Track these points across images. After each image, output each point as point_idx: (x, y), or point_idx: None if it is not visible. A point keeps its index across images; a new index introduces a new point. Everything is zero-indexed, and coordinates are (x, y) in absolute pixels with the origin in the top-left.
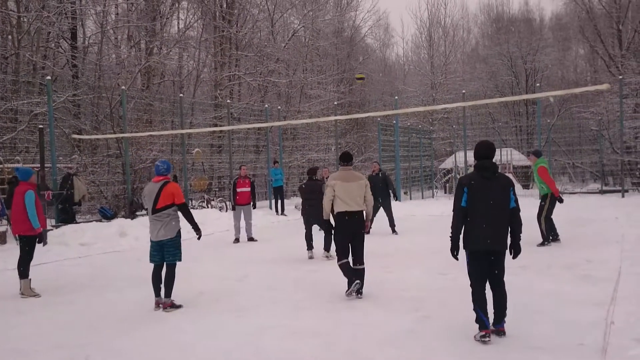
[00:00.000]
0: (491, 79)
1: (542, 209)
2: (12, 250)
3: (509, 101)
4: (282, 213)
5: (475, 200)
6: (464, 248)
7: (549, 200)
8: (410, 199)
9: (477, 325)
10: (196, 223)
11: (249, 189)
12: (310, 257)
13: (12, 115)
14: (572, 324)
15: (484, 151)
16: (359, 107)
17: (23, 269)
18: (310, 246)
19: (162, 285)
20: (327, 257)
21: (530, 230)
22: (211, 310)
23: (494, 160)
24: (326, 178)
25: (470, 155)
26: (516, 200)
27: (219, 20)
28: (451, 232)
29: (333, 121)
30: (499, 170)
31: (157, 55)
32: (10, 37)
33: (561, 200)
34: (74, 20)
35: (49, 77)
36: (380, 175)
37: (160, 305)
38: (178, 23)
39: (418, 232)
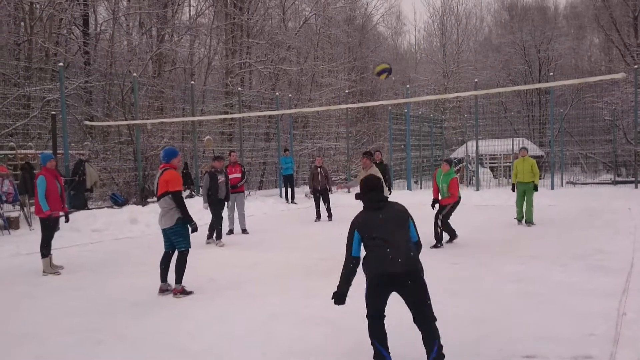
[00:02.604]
0: (504, 68)
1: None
2: (26, 235)
3: (522, 90)
4: (293, 201)
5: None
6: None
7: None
8: (421, 188)
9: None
10: (187, 213)
11: (239, 175)
12: None
13: (25, 102)
14: (583, 314)
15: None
16: (370, 95)
17: (42, 250)
18: None
19: (176, 272)
20: None
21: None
22: (221, 297)
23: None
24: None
25: (482, 144)
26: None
27: (230, 7)
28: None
29: (344, 109)
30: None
31: (168, 42)
32: (22, 23)
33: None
34: (85, 7)
35: (61, 64)
36: (382, 165)
37: (168, 290)
38: (189, 10)
39: (428, 221)
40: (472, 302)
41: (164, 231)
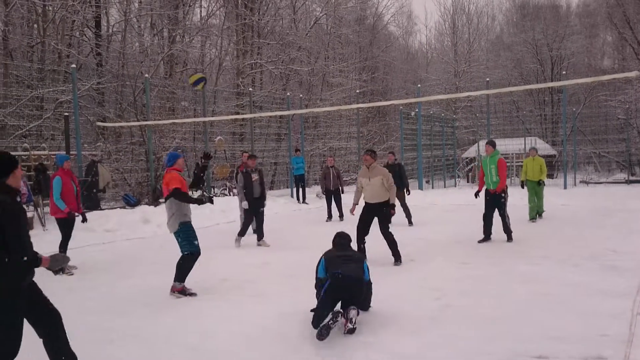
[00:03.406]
0: (516, 67)
1: (505, 204)
2: (39, 235)
3: (534, 89)
4: (304, 201)
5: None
6: None
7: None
8: (432, 187)
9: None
10: (193, 199)
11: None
12: None
13: (38, 104)
14: (596, 314)
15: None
16: (381, 95)
17: (62, 249)
18: None
19: (176, 270)
20: None
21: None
22: (233, 296)
23: None
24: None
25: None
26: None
27: (241, 8)
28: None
29: (355, 109)
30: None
31: (179, 43)
32: (35, 25)
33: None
34: (98, 9)
35: (73, 66)
36: (395, 165)
37: (172, 290)
38: (200, 11)
39: (440, 220)
40: (483, 302)
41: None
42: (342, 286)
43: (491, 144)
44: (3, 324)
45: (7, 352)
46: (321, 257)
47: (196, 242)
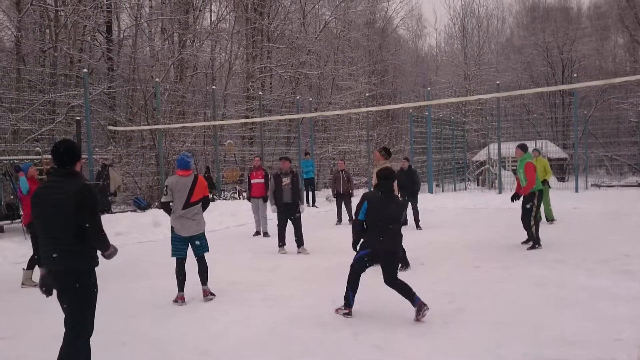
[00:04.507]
0: (526, 70)
1: (530, 210)
2: None
3: (545, 92)
4: (313, 205)
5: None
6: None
7: (537, 199)
8: (443, 191)
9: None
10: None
11: (262, 181)
12: None
13: (50, 108)
14: (609, 318)
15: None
16: (391, 98)
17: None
18: None
19: (204, 275)
20: None
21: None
22: (243, 300)
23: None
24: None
25: (504, 146)
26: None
27: (251, 12)
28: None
29: (364, 113)
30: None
31: (190, 47)
32: (48, 31)
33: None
34: (109, 14)
35: (85, 70)
36: (409, 171)
37: (184, 301)
38: (210, 15)
39: (450, 224)
40: (495, 306)
41: (190, 237)
42: (379, 257)
43: (522, 147)
44: (93, 303)
45: (90, 330)
46: (364, 200)
47: None
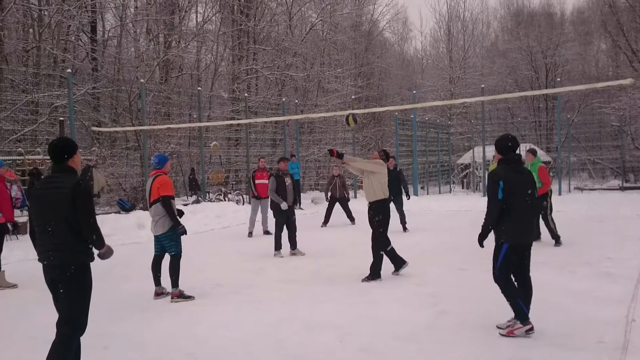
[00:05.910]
0: (510, 74)
1: (546, 209)
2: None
3: (529, 96)
4: (299, 207)
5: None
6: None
7: (550, 197)
8: (427, 193)
9: (509, 322)
10: (176, 218)
11: (267, 182)
12: None
13: (33, 108)
14: (592, 321)
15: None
16: (377, 101)
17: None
18: None
19: (171, 277)
20: None
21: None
22: (229, 302)
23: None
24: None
25: (489, 149)
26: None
27: (237, 13)
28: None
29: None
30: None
31: (175, 48)
32: (31, 30)
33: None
34: (93, 14)
35: (69, 70)
36: (395, 171)
37: (163, 293)
38: (196, 16)
39: (435, 227)
40: (481, 308)
41: (157, 237)
42: (520, 252)
43: (532, 152)
44: (88, 294)
45: (85, 324)
46: (498, 180)
47: (180, 243)
